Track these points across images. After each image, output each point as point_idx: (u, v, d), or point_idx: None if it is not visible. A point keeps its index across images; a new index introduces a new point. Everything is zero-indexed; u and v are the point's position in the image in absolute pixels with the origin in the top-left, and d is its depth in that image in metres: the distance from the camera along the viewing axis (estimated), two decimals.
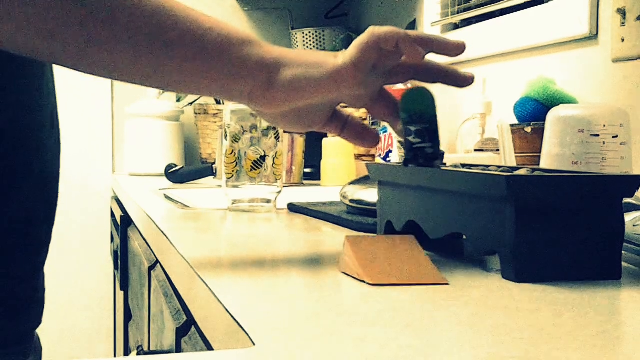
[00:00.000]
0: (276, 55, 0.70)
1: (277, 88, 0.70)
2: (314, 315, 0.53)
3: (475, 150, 1.53)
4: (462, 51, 0.73)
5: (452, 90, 1.88)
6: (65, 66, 0.69)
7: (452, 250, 0.83)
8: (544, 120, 1.03)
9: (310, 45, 2.47)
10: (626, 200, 0.80)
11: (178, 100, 2.33)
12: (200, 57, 0.68)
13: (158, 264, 1.21)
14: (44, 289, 0.88)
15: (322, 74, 0.69)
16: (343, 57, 0.69)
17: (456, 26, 1.89)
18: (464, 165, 0.83)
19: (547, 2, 1.50)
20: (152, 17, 0.65)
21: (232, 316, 0.53)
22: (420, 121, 0.76)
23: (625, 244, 0.73)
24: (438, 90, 1.95)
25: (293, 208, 1.26)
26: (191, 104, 2.42)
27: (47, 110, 0.86)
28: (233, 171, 1.23)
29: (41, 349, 0.92)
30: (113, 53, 0.66)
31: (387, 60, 0.72)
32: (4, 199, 0.80)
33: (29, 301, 0.85)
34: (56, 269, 2.48)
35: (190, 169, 2.00)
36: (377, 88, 0.74)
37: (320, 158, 1.90)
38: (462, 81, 0.75)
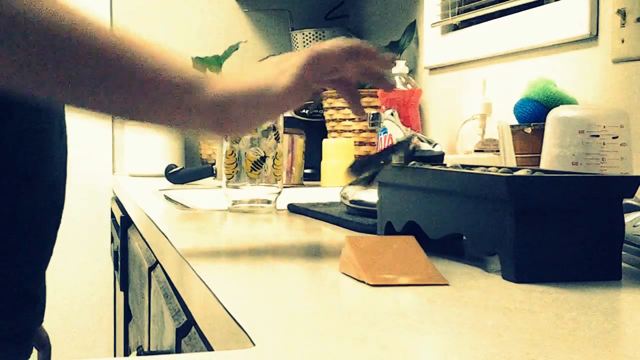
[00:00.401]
0: (226, 94, 0.72)
1: (231, 124, 0.73)
2: (314, 316, 0.53)
3: (476, 151, 1.53)
4: (390, 67, 0.80)
5: (452, 91, 1.88)
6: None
7: (452, 250, 0.83)
8: (544, 121, 1.03)
9: (310, 45, 2.47)
10: (626, 201, 0.80)
11: None
12: (149, 100, 0.69)
13: (158, 265, 1.21)
14: (44, 288, 0.89)
15: (269, 103, 0.73)
16: (285, 79, 0.73)
17: (456, 27, 1.89)
18: (464, 166, 0.83)
19: (546, 3, 1.50)
20: (102, 56, 0.66)
21: (232, 317, 0.53)
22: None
23: (625, 245, 0.73)
24: (439, 93, 1.95)
25: (293, 209, 1.26)
26: None
27: (57, 117, 0.87)
28: (233, 172, 1.23)
29: (50, 347, 0.92)
30: (64, 92, 0.67)
31: (328, 75, 0.77)
32: (14, 203, 0.81)
33: (32, 300, 0.86)
34: (56, 269, 2.48)
35: (191, 169, 2.00)
36: (322, 89, 0.79)
37: (321, 159, 1.90)
38: (387, 87, 0.82)
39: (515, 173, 0.70)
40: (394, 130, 1.56)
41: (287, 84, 0.73)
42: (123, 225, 1.86)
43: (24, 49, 0.63)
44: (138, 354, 1.21)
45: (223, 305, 0.56)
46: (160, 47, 0.70)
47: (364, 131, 2.05)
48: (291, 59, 0.74)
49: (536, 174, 0.70)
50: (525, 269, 0.65)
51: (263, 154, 1.23)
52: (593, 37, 1.35)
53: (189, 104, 0.70)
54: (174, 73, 0.70)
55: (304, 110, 2.28)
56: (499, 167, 0.78)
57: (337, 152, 1.88)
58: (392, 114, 1.47)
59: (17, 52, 0.63)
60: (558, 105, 1.10)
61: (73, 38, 0.64)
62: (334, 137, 2.09)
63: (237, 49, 2.39)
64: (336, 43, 0.75)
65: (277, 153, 1.24)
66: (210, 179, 2.02)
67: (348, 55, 0.75)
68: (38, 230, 0.85)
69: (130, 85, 0.68)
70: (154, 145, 2.36)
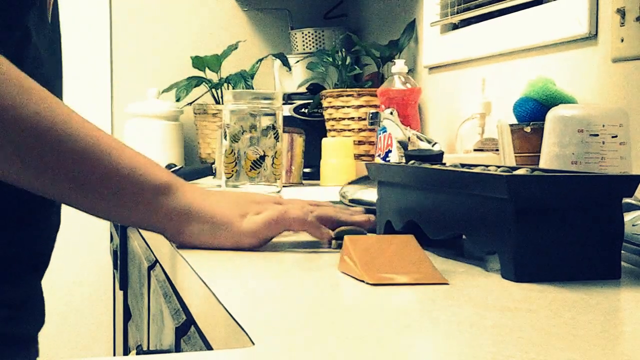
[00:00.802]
0: (187, 206, 0.76)
1: (185, 237, 0.77)
2: (313, 315, 0.53)
3: (475, 150, 1.53)
4: (368, 226, 0.84)
5: (452, 90, 1.88)
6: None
7: (451, 250, 0.83)
8: (544, 120, 1.03)
9: (310, 45, 2.47)
10: (625, 200, 0.80)
11: (177, 100, 2.33)
12: (115, 200, 0.74)
13: (157, 264, 1.21)
14: (41, 289, 0.89)
15: (225, 237, 0.77)
16: (248, 224, 0.77)
17: (455, 26, 1.89)
18: (463, 165, 0.83)
19: (545, 2, 1.50)
20: (79, 158, 0.71)
21: (231, 316, 0.53)
22: None
23: (624, 244, 0.73)
24: (439, 92, 1.95)
25: None
26: (190, 104, 2.43)
27: None
28: (232, 171, 1.23)
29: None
30: (37, 186, 0.72)
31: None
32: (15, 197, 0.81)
33: (33, 301, 0.85)
34: (55, 269, 2.48)
35: (190, 168, 2.00)
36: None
37: (320, 158, 1.90)
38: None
39: (515, 172, 0.70)
40: (394, 130, 1.56)
41: (245, 231, 0.77)
42: (122, 225, 1.86)
43: (3, 145, 0.67)
44: (137, 353, 1.21)
45: (222, 305, 0.56)
46: (134, 150, 0.76)
47: (364, 130, 2.05)
48: (260, 210, 0.78)
49: (535, 173, 0.70)
50: (524, 268, 0.65)
51: (262, 153, 1.23)
52: (592, 36, 1.35)
53: (157, 206, 0.75)
54: (147, 176, 0.75)
55: (303, 109, 2.28)
56: (499, 166, 0.78)
57: (337, 151, 1.88)
58: (391, 113, 1.47)
59: None
60: (557, 105, 1.10)
61: (53, 138, 0.69)
62: (334, 136, 2.09)
63: (236, 48, 2.39)
64: (306, 214, 0.80)
65: (276, 152, 1.24)
66: (210, 178, 2.02)
67: (315, 225, 0.81)
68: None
69: (104, 186, 0.73)
70: (153, 144, 2.36)
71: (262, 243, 0.80)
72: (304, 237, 0.97)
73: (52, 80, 0.85)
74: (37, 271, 0.86)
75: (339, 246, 0.79)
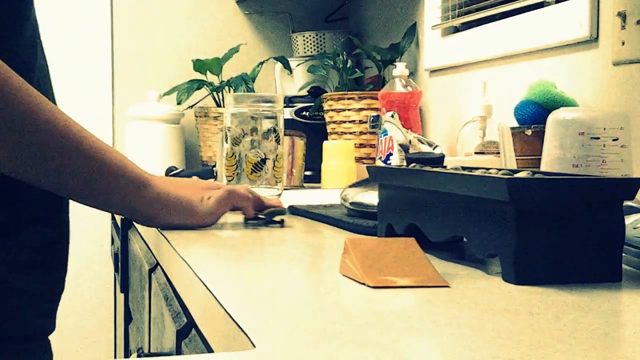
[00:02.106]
0: (162, 195, 0.93)
1: (161, 220, 0.95)
2: (314, 318, 0.53)
3: (476, 153, 1.53)
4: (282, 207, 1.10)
5: (453, 93, 1.88)
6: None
7: (452, 252, 0.83)
8: (545, 123, 1.03)
9: (311, 48, 2.47)
10: (626, 203, 0.80)
11: (179, 103, 2.33)
12: (110, 189, 0.86)
13: (158, 267, 1.21)
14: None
15: (191, 220, 0.98)
16: (207, 206, 0.98)
17: (457, 29, 1.89)
18: (464, 168, 0.83)
19: (547, 5, 1.50)
20: (75, 155, 0.80)
21: (232, 318, 0.53)
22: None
23: (625, 247, 0.73)
24: (440, 95, 1.95)
25: (293, 211, 1.26)
26: (192, 107, 2.43)
27: None
28: (234, 174, 1.24)
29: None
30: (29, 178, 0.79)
31: (234, 208, 1.04)
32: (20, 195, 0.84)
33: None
34: None
35: (191, 171, 2.00)
36: None
37: (321, 161, 1.90)
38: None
39: (516, 175, 0.70)
40: (395, 132, 1.56)
41: (205, 212, 0.99)
42: (123, 227, 1.86)
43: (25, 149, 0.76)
44: (138, 356, 1.21)
45: (223, 307, 0.57)
46: (116, 150, 0.88)
47: (365, 133, 2.05)
48: (213, 192, 1.00)
49: (536, 176, 0.70)
50: (525, 271, 0.65)
51: (263, 156, 1.23)
52: (593, 40, 1.35)
53: (140, 197, 0.90)
54: (132, 172, 0.88)
55: (304, 112, 2.28)
56: (500, 169, 0.78)
57: (338, 154, 1.88)
58: (392, 116, 1.47)
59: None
60: (558, 108, 1.10)
61: (58, 141, 0.78)
62: (335, 139, 2.09)
63: (237, 51, 2.39)
64: (245, 193, 1.05)
65: (277, 155, 1.24)
66: (211, 181, 2.02)
67: (253, 203, 1.06)
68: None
69: (99, 179, 0.83)
70: (154, 147, 2.36)
71: (218, 219, 1.01)
72: (305, 238, 0.97)
73: (48, 73, 0.88)
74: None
75: (272, 222, 1.08)
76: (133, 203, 0.90)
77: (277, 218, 1.09)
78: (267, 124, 1.24)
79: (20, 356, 0.82)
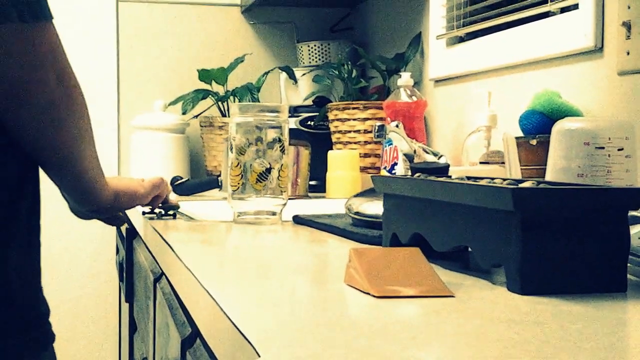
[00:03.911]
0: (115, 191, 1.09)
1: (118, 206, 1.12)
2: (319, 328, 0.53)
3: (481, 162, 1.53)
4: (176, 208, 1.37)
5: (457, 103, 1.88)
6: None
7: (457, 262, 0.83)
8: (549, 132, 1.03)
9: (316, 58, 2.47)
10: (631, 213, 0.80)
11: (184, 113, 2.34)
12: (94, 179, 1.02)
13: (163, 276, 1.21)
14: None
15: (135, 200, 1.17)
16: (144, 188, 1.21)
17: (461, 39, 1.90)
18: (469, 178, 0.83)
19: (552, 15, 1.51)
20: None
21: (237, 328, 0.53)
22: None
23: (630, 257, 0.73)
24: (445, 105, 1.95)
25: (298, 220, 1.26)
26: (197, 116, 2.43)
27: None
28: (238, 183, 1.24)
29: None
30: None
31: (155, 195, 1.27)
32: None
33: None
34: (61, 281, 2.48)
35: (196, 181, 2.00)
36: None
37: (326, 170, 1.91)
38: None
39: (521, 185, 0.70)
40: (399, 142, 1.56)
41: (144, 192, 1.20)
42: (128, 237, 1.87)
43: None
44: None
45: (228, 317, 0.57)
46: None
47: (369, 143, 2.05)
48: (147, 180, 1.23)
49: (541, 185, 0.70)
50: (530, 281, 0.65)
51: (268, 166, 1.23)
52: (598, 50, 1.35)
53: (107, 187, 1.05)
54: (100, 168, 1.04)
55: (309, 122, 2.28)
56: (504, 179, 0.78)
57: (343, 163, 1.88)
58: (397, 126, 1.47)
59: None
60: (563, 117, 1.10)
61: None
62: (340, 148, 2.09)
63: (242, 61, 2.40)
64: (166, 186, 1.30)
65: (282, 165, 1.24)
66: (216, 190, 2.02)
67: (163, 197, 1.30)
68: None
69: (89, 140, 1.00)
70: (159, 156, 2.37)
71: (150, 197, 1.23)
72: (310, 248, 0.97)
73: None
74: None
75: (166, 215, 1.35)
76: (102, 192, 1.04)
77: (170, 212, 1.35)
78: (272, 134, 1.24)
79: None
